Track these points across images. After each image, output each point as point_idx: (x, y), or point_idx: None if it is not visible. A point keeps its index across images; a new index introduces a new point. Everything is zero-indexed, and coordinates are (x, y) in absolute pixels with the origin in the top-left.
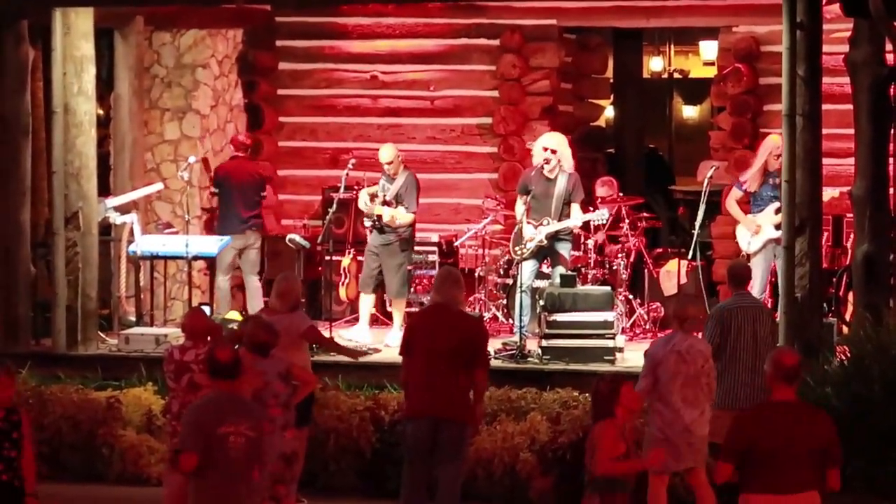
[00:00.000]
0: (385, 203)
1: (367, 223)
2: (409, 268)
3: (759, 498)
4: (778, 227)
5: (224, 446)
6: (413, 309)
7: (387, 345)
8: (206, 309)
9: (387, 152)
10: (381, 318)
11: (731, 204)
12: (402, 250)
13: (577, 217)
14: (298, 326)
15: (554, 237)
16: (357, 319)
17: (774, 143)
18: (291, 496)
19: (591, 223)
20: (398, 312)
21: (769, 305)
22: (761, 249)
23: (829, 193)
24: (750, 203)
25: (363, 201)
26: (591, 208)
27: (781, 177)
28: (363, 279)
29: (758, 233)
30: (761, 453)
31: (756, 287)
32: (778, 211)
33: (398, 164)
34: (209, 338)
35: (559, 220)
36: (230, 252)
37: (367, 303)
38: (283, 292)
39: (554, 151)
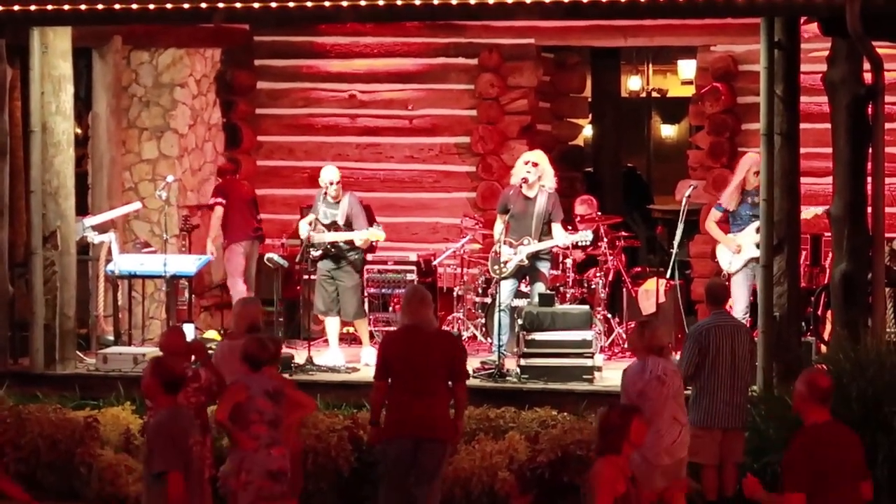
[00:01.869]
0: (333, 228)
1: (316, 253)
2: (369, 288)
3: None
4: (759, 245)
5: (192, 458)
6: (391, 328)
7: (366, 364)
8: (189, 327)
9: (333, 172)
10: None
11: (711, 225)
12: (357, 271)
13: (561, 237)
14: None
15: (534, 256)
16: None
17: (753, 159)
18: None
19: (574, 243)
20: (364, 332)
21: (748, 324)
22: (742, 268)
23: (812, 211)
24: (729, 223)
25: (306, 232)
26: (571, 227)
27: (760, 195)
28: (324, 305)
29: (739, 252)
30: (822, 479)
31: (739, 306)
32: (759, 230)
33: (340, 185)
34: (193, 357)
35: (539, 239)
36: (240, 256)
37: (333, 325)
38: (235, 314)
39: (535, 164)
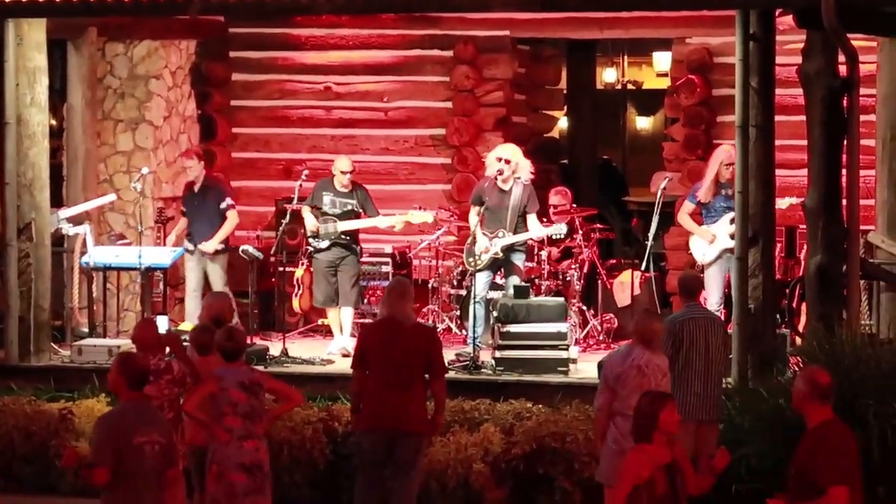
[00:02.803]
0: (348, 217)
1: (324, 244)
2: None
3: None
4: (733, 236)
5: (140, 456)
6: (366, 320)
7: (331, 353)
8: (163, 319)
9: (347, 162)
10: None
11: (684, 217)
12: (357, 261)
13: (535, 230)
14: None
15: (509, 248)
16: (311, 332)
17: (725, 152)
18: None
19: (547, 236)
20: (349, 322)
21: (723, 316)
22: (716, 260)
23: (787, 201)
24: (702, 215)
25: (314, 223)
26: (546, 219)
27: (735, 188)
28: (324, 296)
29: (713, 243)
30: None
31: (713, 298)
32: (733, 221)
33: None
34: (168, 349)
35: (514, 231)
36: None
37: (335, 316)
38: (203, 307)
39: (508, 161)
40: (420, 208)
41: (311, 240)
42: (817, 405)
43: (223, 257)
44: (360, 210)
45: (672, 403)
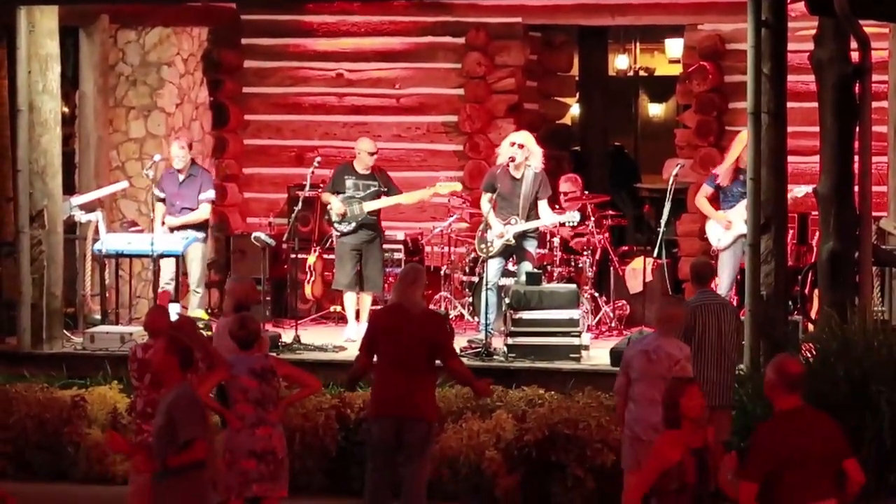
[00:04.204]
0: (374, 197)
1: (349, 226)
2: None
3: None
4: None
5: (210, 432)
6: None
7: (349, 339)
8: (175, 306)
9: (372, 143)
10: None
11: (701, 200)
12: (382, 244)
13: (547, 217)
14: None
15: (521, 235)
16: (323, 319)
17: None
18: (278, 492)
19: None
20: (367, 309)
21: (735, 302)
22: (731, 245)
23: (803, 189)
24: (719, 200)
25: (338, 206)
26: (558, 206)
27: (747, 174)
28: (348, 280)
29: (728, 228)
30: (789, 465)
31: (724, 283)
32: None
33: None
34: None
35: (527, 218)
36: None
37: (352, 300)
38: (226, 292)
39: (521, 146)
40: (446, 179)
41: (335, 224)
42: (784, 394)
43: (201, 246)
44: (384, 190)
45: (692, 388)
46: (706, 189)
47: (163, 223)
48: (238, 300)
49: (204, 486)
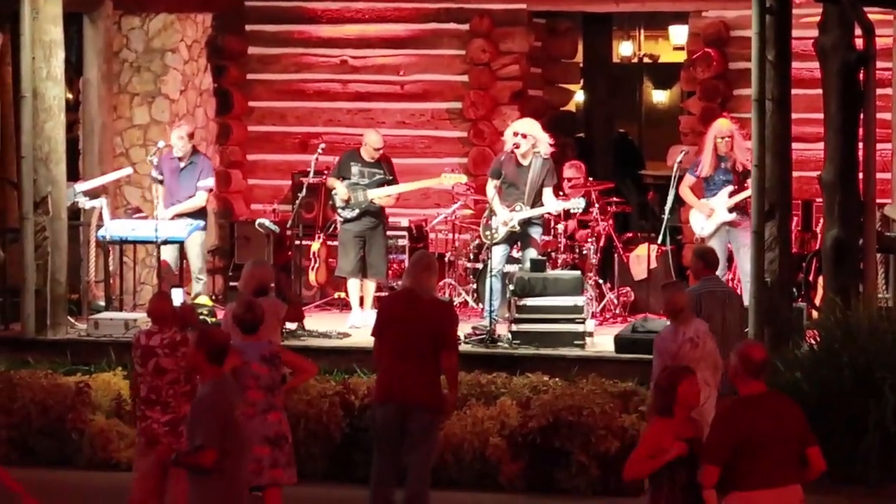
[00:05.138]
0: (380, 185)
1: (353, 213)
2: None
3: (754, 495)
4: (731, 210)
5: (238, 430)
6: (383, 294)
7: (354, 326)
8: (178, 292)
9: (378, 138)
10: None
11: (684, 190)
12: (386, 231)
13: (552, 204)
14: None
15: (526, 222)
16: (327, 305)
17: (718, 126)
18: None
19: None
20: (371, 295)
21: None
22: (715, 233)
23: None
24: (704, 188)
25: (343, 192)
26: (562, 192)
27: (735, 160)
28: (351, 267)
29: (710, 216)
30: (749, 449)
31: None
32: (731, 194)
33: None
34: (184, 323)
35: (532, 205)
36: None
37: (356, 287)
38: (244, 276)
39: (525, 136)
40: (452, 170)
41: (339, 210)
42: (747, 381)
43: (200, 234)
44: (390, 178)
45: (691, 377)
46: (689, 179)
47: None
48: (260, 284)
49: (234, 478)
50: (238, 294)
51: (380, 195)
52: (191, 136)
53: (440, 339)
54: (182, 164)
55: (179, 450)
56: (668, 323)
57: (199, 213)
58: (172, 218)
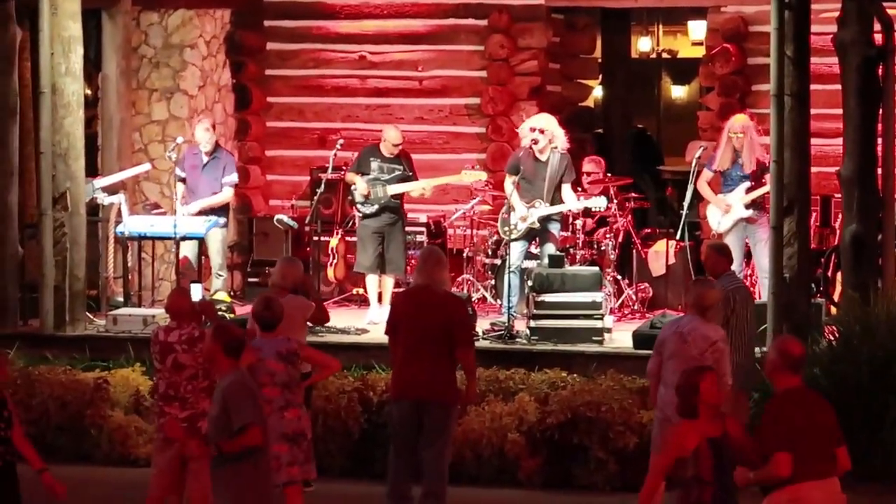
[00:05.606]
0: (400, 181)
1: (372, 208)
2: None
3: (804, 486)
4: (748, 206)
5: (265, 417)
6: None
7: (371, 322)
8: (197, 287)
9: (398, 135)
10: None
11: (702, 185)
12: (404, 227)
13: (572, 202)
14: (299, 308)
15: (544, 217)
16: (345, 301)
17: (731, 122)
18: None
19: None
20: (390, 291)
21: (756, 286)
22: (732, 229)
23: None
24: (722, 184)
25: (363, 187)
26: (580, 188)
27: (749, 156)
28: (370, 262)
29: (728, 212)
30: (797, 442)
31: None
32: (748, 190)
33: None
34: (203, 318)
35: (551, 201)
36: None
37: (374, 283)
38: (280, 273)
39: (542, 132)
40: (473, 167)
41: (358, 205)
42: (786, 375)
43: (221, 231)
44: (409, 174)
45: (711, 375)
46: (706, 174)
47: (182, 202)
48: (295, 281)
49: (263, 472)
50: (271, 287)
51: (399, 191)
52: (213, 127)
53: (456, 333)
54: (206, 160)
55: (220, 441)
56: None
57: (220, 210)
58: (197, 213)
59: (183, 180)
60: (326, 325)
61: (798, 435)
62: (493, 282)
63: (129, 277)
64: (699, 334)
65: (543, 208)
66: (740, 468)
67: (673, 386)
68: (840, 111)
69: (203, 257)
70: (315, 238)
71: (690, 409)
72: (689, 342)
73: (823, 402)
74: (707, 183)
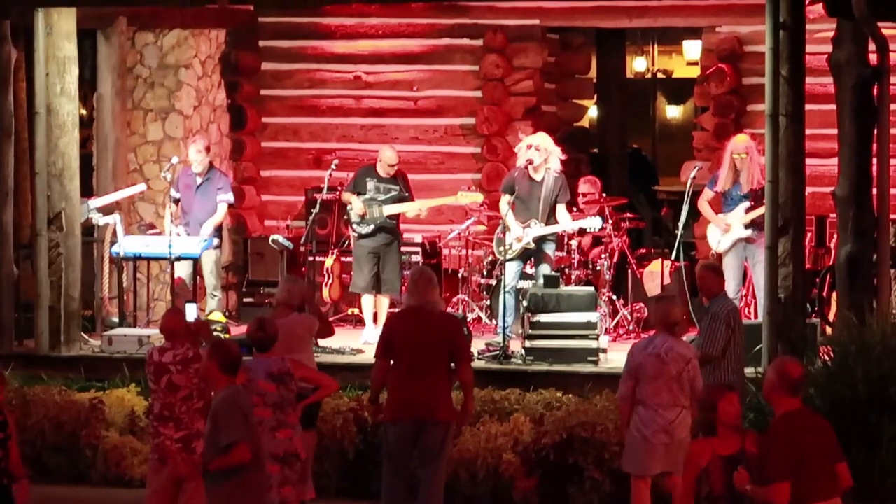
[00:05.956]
0: (395, 201)
1: (368, 228)
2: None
3: None
4: (748, 226)
5: (257, 435)
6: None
7: (366, 342)
8: (192, 307)
9: (394, 155)
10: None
11: (703, 204)
12: (400, 247)
13: (568, 223)
14: (305, 326)
15: (540, 238)
16: (341, 321)
17: (735, 142)
18: (305, 495)
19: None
20: (385, 311)
21: (752, 306)
22: (731, 248)
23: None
24: (722, 203)
25: (359, 206)
26: (576, 208)
27: (751, 176)
28: (365, 282)
29: (727, 231)
30: (801, 464)
31: (731, 287)
32: (748, 210)
33: None
34: (199, 338)
35: (546, 221)
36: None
37: (370, 303)
38: (285, 292)
39: (538, 148)
40: (469, 188)
41: (354, 225)
42: (785, 397)
43: (214, 252)
44: (406, 195)
45: (731, 394)
46: (707, 193)
47: (176, 223)
48: (302, 299)
49: (252, 490)
50: (278, 306)
51: (395, 212)
52: (207, 149)
53: (456, 352)
54: (199, 180)
55: (208, 459)
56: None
57: (216, 230)
58: (190, 234)
59: (177, 201)
60: (324, 343)
61: (800, 459)
62: (488, 302)
63: (125, 298)
64: (676, 353)
65: (539, 228)
66: (742, 472)
67: (652, 407)
68: (835, 131)
69: (198, 277)
70: (310, 258)
71: (708, 426)
72: (669, 362)
73: (822, 420)
74: (707, 202)
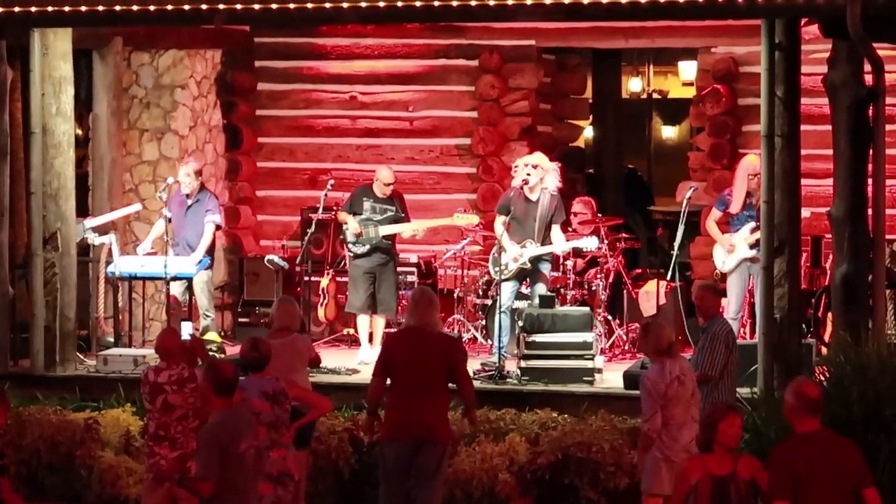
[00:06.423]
0: (391, 222)
1: (364, 248)
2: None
3: None
4: (752, 246)
5: (242, 463)
6: (391, 329)
7: (361, 362)
8: (188, 326)
9: (390, 174)
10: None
11: (710, 224)
12: (396, 267)
13: (561, 243)
14: (306, 346)
15: (535, 258)
16: (336, 341)
17: (751, 163)
18: None
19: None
20: (381, 332)
21: (747, 326)
22: (736, 268)
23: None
24: (728, 223)
25: (355, 227)
26: (570, 228)
27: (760, 197)
28: (361, 303)
29: (732, 251)
30: (804, 486)
31: (732, 307)
32: (753, 230)
33: None
34: (197, 358)
35: (542, 241)
36: None
37: (365, 323)
38: (281, 314)
39: (535, 167)
40: (465, 210)
41: (350, 245)
42: (804, 418)
43: (206, 273)
44: (402, 216)
45: (734, 416)
46: (715, 213)
47: (166, 241)
48: (301, 321)
49: None
50: (279, 329)
51: (391, 232)
52: (198, 173)
53: (455, 371)
54: (189, 202)
55: (184, 475)
56: (652, 365)
57: (207, 251)
58: (178, 254)
59: (168, 220)
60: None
61: (800, 480)
62: (483, 322)
63: (120, 317)
64: (687, 369)
65: (534, 248)
66: None
67: (676, 426)
68: (830, 152)
69: (192, 297)
70: (306, 278)
71: (705, 443)
72: (686, 382)
73: (845, 444)
74: (714, 222)
